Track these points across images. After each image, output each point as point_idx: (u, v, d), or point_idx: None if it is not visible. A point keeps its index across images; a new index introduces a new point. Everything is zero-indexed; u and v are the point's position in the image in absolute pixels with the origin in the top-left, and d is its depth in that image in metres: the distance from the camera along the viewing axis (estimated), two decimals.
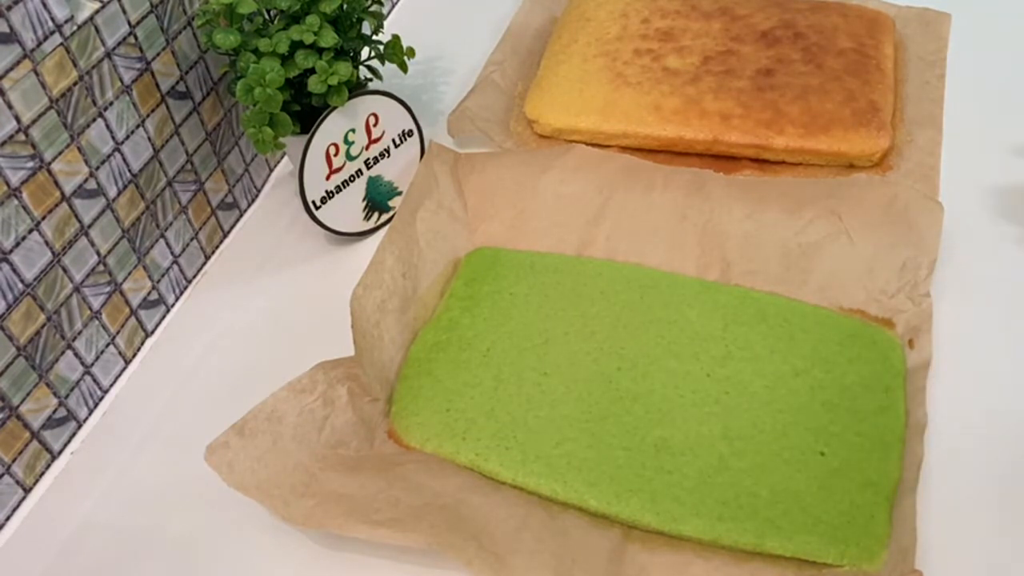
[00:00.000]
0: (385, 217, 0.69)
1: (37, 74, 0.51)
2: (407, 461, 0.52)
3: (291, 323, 0.63)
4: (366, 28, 0.67)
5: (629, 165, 0.65)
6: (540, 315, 0.59)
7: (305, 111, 0.63)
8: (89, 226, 0.57)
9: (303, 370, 0.53)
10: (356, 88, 0.64)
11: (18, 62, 0.50)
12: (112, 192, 0.58)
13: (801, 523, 0.47)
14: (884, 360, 0.55)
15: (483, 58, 0.81)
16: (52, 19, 0.51)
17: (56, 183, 0.54)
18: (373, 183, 0.67)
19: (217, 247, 0.70)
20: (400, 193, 0.69)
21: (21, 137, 0.51)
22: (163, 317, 0.65)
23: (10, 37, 0.49)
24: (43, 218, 0.53)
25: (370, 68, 0.68)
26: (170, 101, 0.62)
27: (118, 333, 0.61)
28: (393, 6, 0.91)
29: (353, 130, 0.64)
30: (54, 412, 0.56)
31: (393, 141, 0.67)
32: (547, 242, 0.64)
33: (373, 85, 0.68)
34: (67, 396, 0.57)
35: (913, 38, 0.77)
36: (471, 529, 0.47)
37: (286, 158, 0.76)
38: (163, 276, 0.64)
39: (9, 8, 0.48)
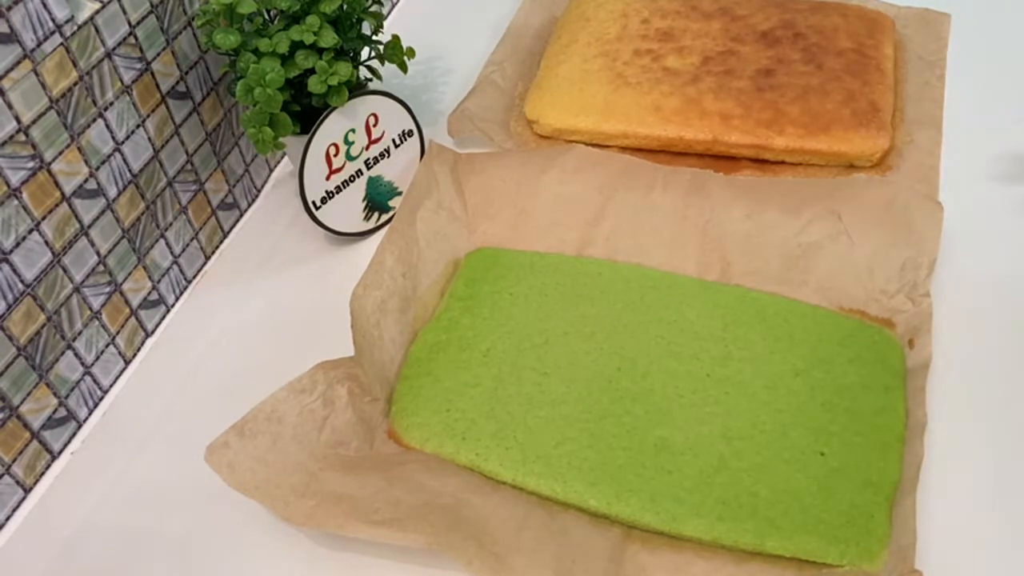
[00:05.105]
0: (385, 217, 0.69)
1: (37, 74, 0.51)
2: (407, 461, 0.52)
3: (291, 323, 0.63)
4: (366, 28, 0.67)
5: (629, 165, 0.65)
6: (540, 315, 0.59)
7: (305, 111, 0.63)
8: (89, 226, 0.57)
9: (303, 370, 0.53)
10: (356, 88, 0.64)
11: (18, 62, 0.50)
12: (112, 192, 0.58)
13: (801, 523, 0.47)
14: (884, 360, 0.55)
15: (483, 58, 0.81)
16: (52, 19, 0.51)
17: (56, 183, 0.54)
18: (373, 183, 0.67)
19: (217, 247, 0.70)
20: (400, 193, 0.69)
21: (21, 137, 0.51)
22: (163, 317, 0.65)
23: (10, 37, 0.49)
24: (43, 218, 0.53)
25: (370, 68, 0.68)
26: (170, 101, 0.62)
27: (118, 333, 0.61)
28: (393, 6, 0.91)
29: (353, 130, 0.64)
30: (54, 412, 0.56)
31: (393, 141, 0.67)
32: (547, 242, 0.64)
33: (373, 85, 0.68)
34: (67, 396, 0.57)
35: (913, 38, 0.77)
36: (471, 529, 0.47)
37: (286, 158, 0.76)
38: (163, 276, 0.64)
39: (9, 8, 0.48)
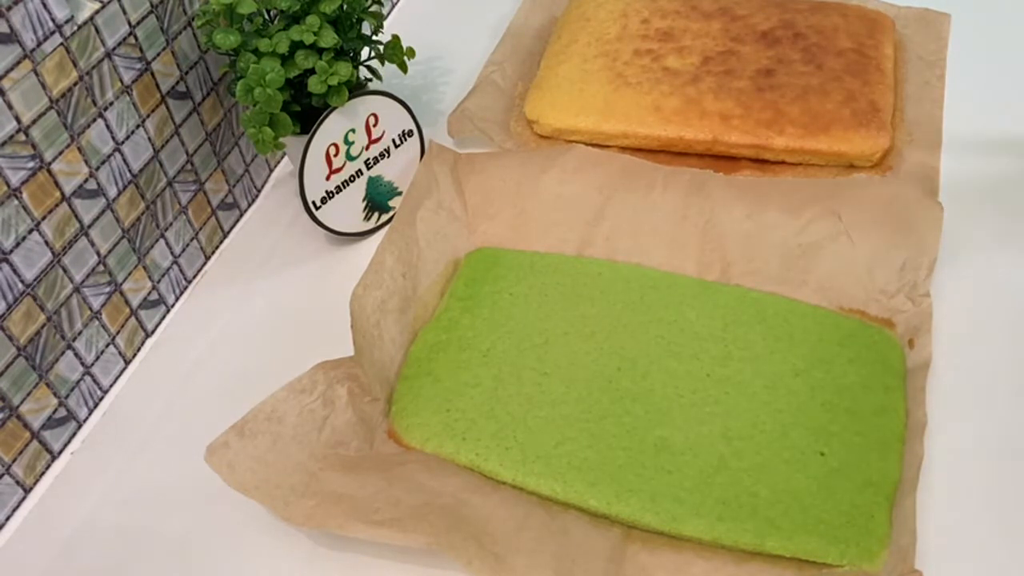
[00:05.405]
0: (385, 217, 0.69)
1: (37, 74, 0.51)
2: (407, 461, 0.52)
3: (291, 323, 0.63)
4: (366, 28, 0.67)
5: (629, 165, 0.65)
6: (540, 315, 0.59)
7: (305, 111, 0.63)
8: (89, 226, 0.57)
9: (303, 370, 0.53)
10: (356, 88, 0.64)
11: (18, 62, 0.50)
12: (112, 192, 0.58)
13: (801, 523, 0.47)
14: (884, 360, 0.55)
15: (483, 58, 0.81)
16: (52, 19, 0.51)
17: (56, 183, 0.54)
18: (373, 183, 0.67)
19: (217, 247, 0.70)
20: (400, 193, 0.69)
21: (21, 137, 0.51)
22: (163, 317, 0.65)
23: (10, 37, 0.49)
24: (43, 218, 0.53)
25: (370, 68, 0.68)
26: (170, 101, 0.62)
27: (118, 333, 0.61)
28: (393, 6, 0.91)
29: (353, 130, 0.64)
30: (54, 412, 0.56)
31: (393, 141, 0.67)
32: (547, 242, 0.64)
33: (373, 85, 0.68)
34: (67, 396, 0.57)
35: (913, 38, 0.77)
36: (471, 529, 0.47)
37: (286, 158, 0.76)
38: (163, 276, 0.64)
39: (9, 8, 0.48)
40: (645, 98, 0.71)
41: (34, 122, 0.51)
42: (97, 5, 0.54)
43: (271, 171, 0.76)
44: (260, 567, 0.51)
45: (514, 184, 0.65)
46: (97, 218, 0.57)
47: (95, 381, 0.59)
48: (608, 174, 0.65)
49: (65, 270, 0.55)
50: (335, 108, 0.62)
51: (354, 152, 0.65)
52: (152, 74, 0.60)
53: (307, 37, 0.60)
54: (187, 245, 0.66)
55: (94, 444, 0.58)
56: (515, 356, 0.57)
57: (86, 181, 0.56)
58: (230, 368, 0.61)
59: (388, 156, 0.68)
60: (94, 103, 0.55)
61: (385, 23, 0.77)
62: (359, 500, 0.49)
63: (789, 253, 0.60)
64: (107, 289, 0.59)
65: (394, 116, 0.67)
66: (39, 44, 0.51)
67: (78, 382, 0.58)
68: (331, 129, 0.63)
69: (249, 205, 0.73)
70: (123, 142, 0.58)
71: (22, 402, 0.53)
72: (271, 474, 0.50)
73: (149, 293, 0.63)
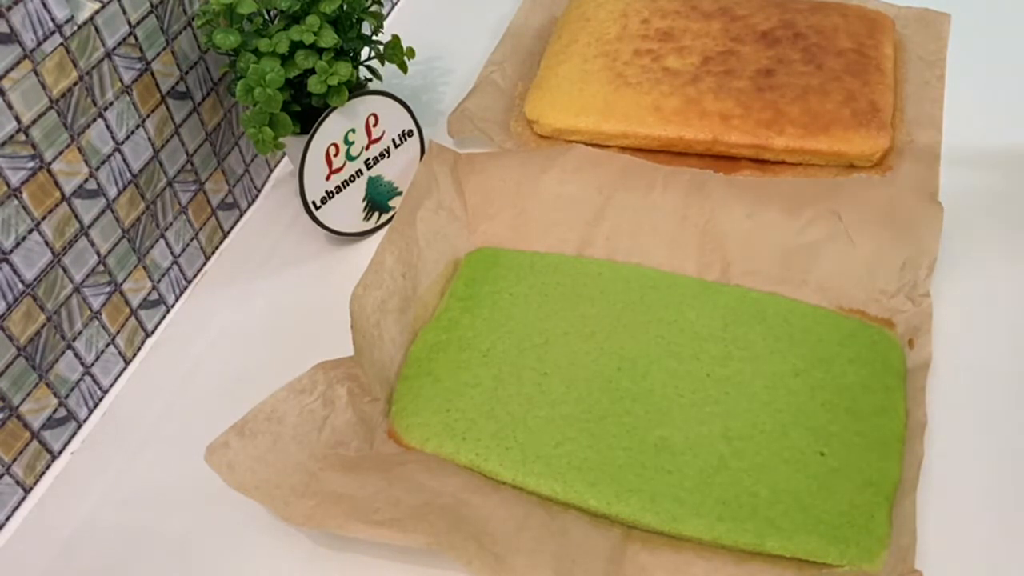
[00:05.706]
0: (385, 217, 0.69)
1: (37, 74, 0.51)
2: (407, 461, 0.52)
3: (291, 323, 0.63)
4: (366, 28, 0.67)
5: (629, 165, 0.65)
6: (540, 315, 0.59)
7: (305, 111, 0.63)
8: (89, 226, 0.57)
9: (303, 370, 0.53)
10: (356, 88, 0.64)
11: (18, 62, 0.50)
12: (112, 192, 0.58)
13: (801, 523, 0.47)
14: (884, 360, 0.55)
15: (483, 58, 0.81)
16: (52, 19, 0.51)
17: (56, 183, 0.54)
18: (373, 183, 0.67)
19: (217, 247, 0.70)
20: (400, 193, 0.69)
21: (21, 137, 0.51)
22: (163, 317, 0.65)
23: (10, 37, 0.49)
24: (43, 218, 0.53)
25: (370, 68, 0.68)
26: (170, 101, 0.62)
27: (118, 333, 0.61)
28: (393, 6, 0.91)
29: (353, 130, 0.64)
30: (54, 412, 0.56)
31: (393, 141, 0.67)
32: (547, 242, 0.64)
33: (373, 85, 0.68)
34: (67, 396, 0.57)
35: (913, 38, 0.77)
36: (471, 529, 0.47)
37: (286, 158, 0.76)
38: (163, 276, 0.64)
39: (9, 8, 0.48)
40: (645, 98, 0.71)
41: (34, 122, 0.51)
42: (97, 5, 0.54)
43: (271, 171, 0.76)
44: (260, 567, 0.51)
45: (514, 184, 0.65)
46: (97, 218, 0.57)
47: (95, 381, 0.59)
48: (608, 174, 0.65)
49: (65, 270, 0.55)
50: (335, 108, 0.62)
51: (354, 152, 0.65)
52: (152, 74, 0.60)
53: (307, 37, 0.60)
54: (187, 245, 0.66)
55: (94, 444, 0.58)
56: (515, 356, 0.57)
57: (86, 181, 0.56)
58: (230, 368, 0.61)
59: (388, 156, 0.68)
60: (94, 103, 0.55)
61: (385, 23, 0.77)
62: (359, 500, 0.49)
63: (789, 253, 0.60)
64: (107, 289, 0.59)
65: (394, 116, 0.67)
66: (39, 44, 0.51)
67: (78, 382, 0.58)
68: (331, 129, 0.63)
69: (249, 205, 0.73)
70: (123, 142, 0.58)
71: (22, 402, 0.53)
72: (271, 474, 0.50)
73: (149, 293, 0.63)
